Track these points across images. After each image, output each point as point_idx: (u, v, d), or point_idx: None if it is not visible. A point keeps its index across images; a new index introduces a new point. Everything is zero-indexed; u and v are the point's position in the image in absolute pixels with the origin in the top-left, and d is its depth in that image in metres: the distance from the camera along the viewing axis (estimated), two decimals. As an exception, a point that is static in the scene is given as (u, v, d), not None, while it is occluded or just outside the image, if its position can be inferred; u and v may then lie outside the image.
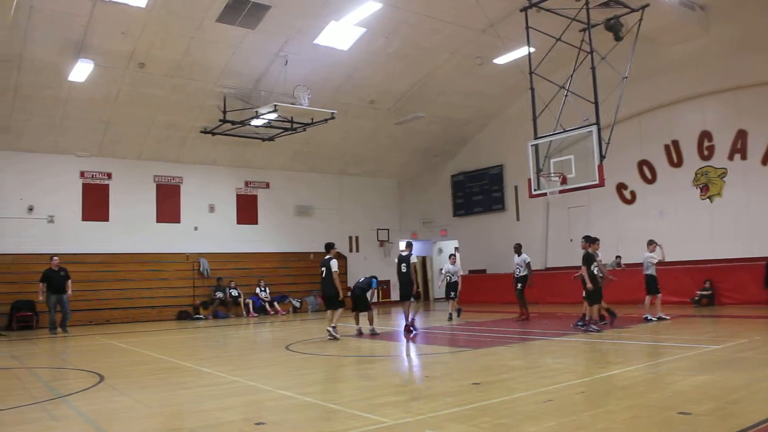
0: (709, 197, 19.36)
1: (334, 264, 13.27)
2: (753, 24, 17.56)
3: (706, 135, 19.37)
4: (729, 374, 7.38)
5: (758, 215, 18.00)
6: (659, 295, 14.58)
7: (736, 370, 7.67)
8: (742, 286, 17.47)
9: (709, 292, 17.79)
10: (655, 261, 14.61)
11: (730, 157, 18.84)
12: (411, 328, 13.86)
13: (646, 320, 14.13)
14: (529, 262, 16.23)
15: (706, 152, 19.38)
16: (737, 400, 5.98)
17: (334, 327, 13.00)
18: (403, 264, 14.19)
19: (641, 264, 14.91)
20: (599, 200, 21.31)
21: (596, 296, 12.64)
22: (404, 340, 13.07)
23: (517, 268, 16.27)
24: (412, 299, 14.05)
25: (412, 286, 13.97)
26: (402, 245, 15.27)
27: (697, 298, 17.77)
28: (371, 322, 13.89)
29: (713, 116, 19.25)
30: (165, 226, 22.64)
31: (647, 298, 14.59)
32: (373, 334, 13.58)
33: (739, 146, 18.64)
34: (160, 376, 9.26)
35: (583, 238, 13.46)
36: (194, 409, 6.75)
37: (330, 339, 12.79)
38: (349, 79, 20.50)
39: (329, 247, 13.71)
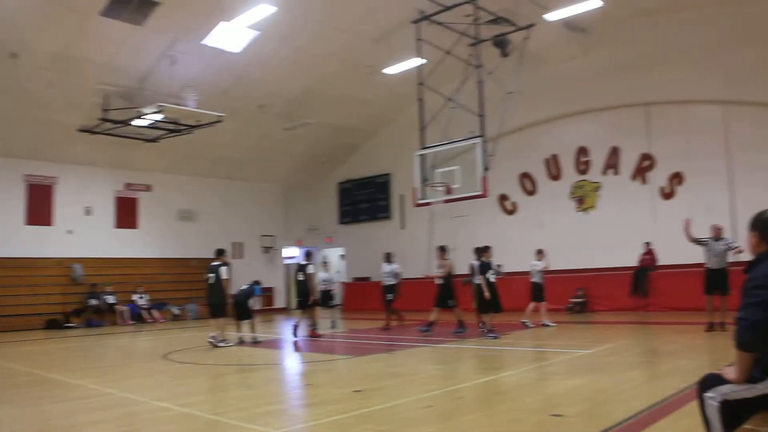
0: (584, 209, 20.41)
1: (224, 271, 12.93)
2: (626, 49, 18.74)
3: (582, 150, 20.44)
4: (598, 377, 7.74)
5: (627, 227, 19.13)
6: (544, 302, 15.14)
7: (604, 373, 8.07)
8: (611, 293, 18.46)
9: (582, 299, 18.67)
10: (540, 269, 15.10)
11: (604, 172, 19.98)
12: (314, 335, 14.03)
13: (525, 325, 14.61)
14: (398, 272, 16.19)
15: (582, 167, 20.44)
16: (605, 401, 6.28)
17: (214, 336, 12.68)
18: (301, 273, 14.22)
19: (523, 272, 15.40)
20: (482, 210, 21.91)
21: (493, 305, 12.98)
22: (287, 348, 12.95)
23: (387, 276, 16.05)
24: (307, 307, 14.11)
25: (310, 294, 14.01)
26: (292, 252, 15.17)
27: (570, 305, 18.59)
28: (253, 330, 13.65)
29: (590, 133, 20.34)
30: (36, 229, 21.29)
31: (531, 305, 15.06)
32: (255, 342, 13.34)
33: (612, 162, 19.80)
34: (25, 389, 8.64)
35: (438, 247, 13.98)
36: (62, 424, 6.33)
37: (214, 347, 12.44)
38: (239, 82, 20.13)
39: (220, 252, 13.36)
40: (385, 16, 17.07)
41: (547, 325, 14.62)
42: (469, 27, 14.51)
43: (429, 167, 14.81)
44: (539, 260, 15.16)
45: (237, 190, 27.04)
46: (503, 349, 11.33)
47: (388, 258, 16.27)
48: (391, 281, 15.99)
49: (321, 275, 16.50)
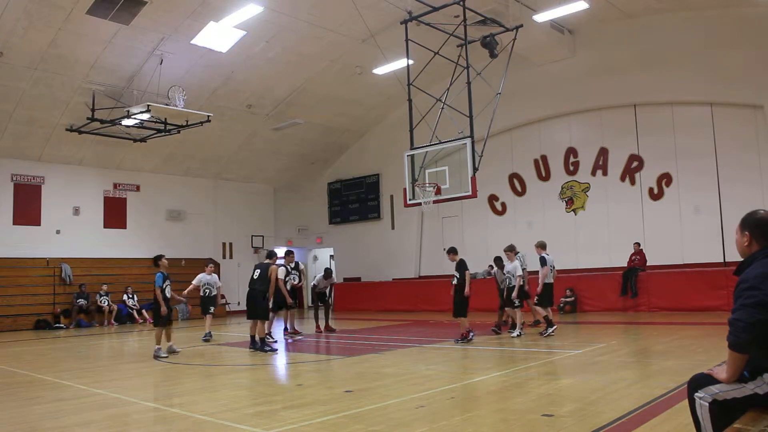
0: (573, 210, 20.48)
1: (281, 271, 12.93)
2: (613, 51, 18.88)
3: (571, 151, 20.52)
4: (588, 377, 7.76)
5: (617, 228, 19.24)
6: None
7: (595, 373, 8.09)
8: (601, 293, 18.51)
9: (572, 299, 18.72)
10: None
11: (593, 173, 20.07)
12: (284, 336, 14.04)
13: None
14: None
15: (571, 167, 20.52)
16: (595, 401, 6.29)
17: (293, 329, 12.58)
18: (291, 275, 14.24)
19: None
20: (472, 211, 22.00)
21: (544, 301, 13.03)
22: (277, 348, 12.91)
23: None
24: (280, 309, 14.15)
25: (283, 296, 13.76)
26: (282, 252, 15.02)
27: (561, 305, 18.63)
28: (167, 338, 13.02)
29: (578, 134, 20.43)
30: (23, 229, 21.14)
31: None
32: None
33: (601, 163, 19.89)
34: (13, 390, 8.58)
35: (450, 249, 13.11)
36: (51, 425, 6.28)
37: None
38: (227, 81, 20.09)
39: (276, 254, 12.89)
40: (374, 17, 17.06)
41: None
42: (457, 28, 14.52)
43: (418, 167, 14.80)
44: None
45: (226, 190, 26.95)
46: (494, 349, 11.35)
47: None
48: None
49: (201, 277, 15.49)
